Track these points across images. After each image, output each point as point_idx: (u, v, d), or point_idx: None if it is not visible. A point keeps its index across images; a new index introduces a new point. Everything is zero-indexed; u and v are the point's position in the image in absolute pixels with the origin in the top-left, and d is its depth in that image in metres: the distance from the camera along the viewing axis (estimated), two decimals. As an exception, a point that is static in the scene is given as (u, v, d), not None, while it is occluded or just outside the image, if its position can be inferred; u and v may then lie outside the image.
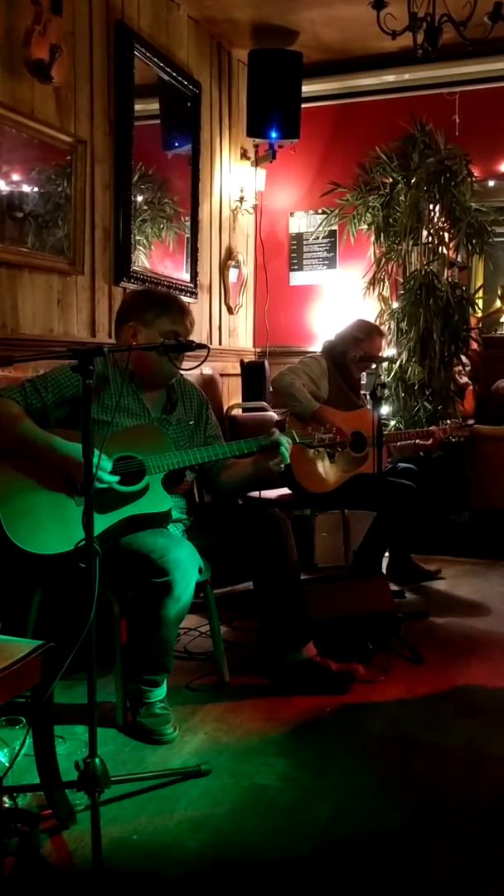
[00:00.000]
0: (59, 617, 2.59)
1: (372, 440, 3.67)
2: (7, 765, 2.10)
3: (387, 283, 4.95)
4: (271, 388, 3.82)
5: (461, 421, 4.12)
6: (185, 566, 2.42)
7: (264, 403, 4.92)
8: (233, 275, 5.16)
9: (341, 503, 3.86)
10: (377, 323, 4.91)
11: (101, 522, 2.39)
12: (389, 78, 5.02)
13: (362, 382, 4.98)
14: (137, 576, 2.45)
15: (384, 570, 4.07)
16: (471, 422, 4.48)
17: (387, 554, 4.14)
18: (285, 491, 3.89)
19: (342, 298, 5.20)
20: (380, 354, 3.95)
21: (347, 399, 3.82)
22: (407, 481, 3.74)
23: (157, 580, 2.39)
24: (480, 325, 5.13)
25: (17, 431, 2.43)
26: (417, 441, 3.89)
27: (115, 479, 2.42)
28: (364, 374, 4.09)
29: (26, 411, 2.48)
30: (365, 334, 3.87)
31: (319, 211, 5.25)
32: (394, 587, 3.96)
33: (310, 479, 3.61)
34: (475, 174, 4.77)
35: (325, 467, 3.63)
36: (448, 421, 4.15)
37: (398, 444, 3.93)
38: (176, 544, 2.49)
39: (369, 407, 3.94)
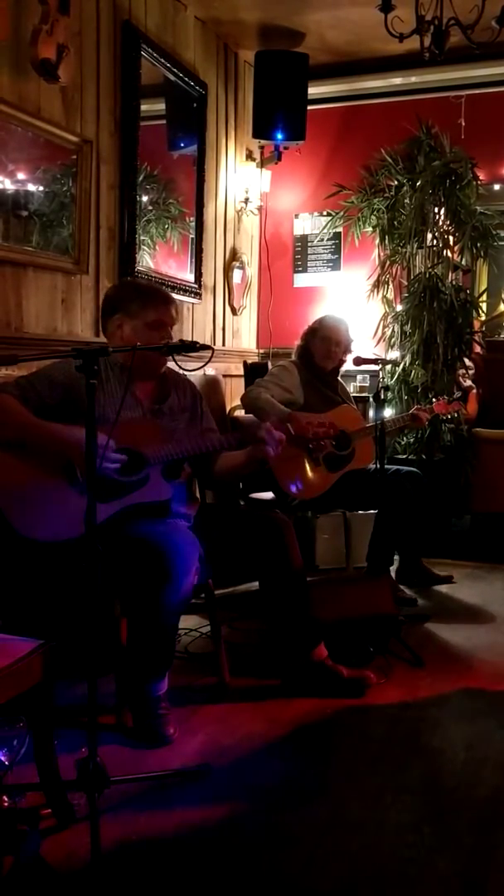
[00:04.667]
0: (61, 615, 2.59)
1: (356, 435, 3.67)
2: (7, 764, 2.10)
3: (391, 286, 4.95)
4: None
5: (448, 397, 4.10)
6: (185, 552, 2.43)
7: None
8: (237, 276, 5.16)
9: (338, 504, 3.85)
10: (379, 325, 4.93)
11: (103, 511, 2.40)
12: (396, 80, 5.01)
13: (365, 385, 5.00)
14: (137, 564, 2.45)
15: (394, 575, 4.06)
16: (458, 394, 4.45)
17: (396, 557, 4.13)
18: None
19: (346, 300, 5.20)
20: (344, 337, 3.87)
21: (326, 398, 3.81)
22: (400, 479, 3.74)
23: (156, 566, 2.39)
24: (484, 329, 5.13)
25: (19, 423, 2.44)
26: (404, 424, 3.90)
27: (123, 458, 2.43)
28: (364, 374, 4.07)
29: (24, 406, 2.49)
30: (319, 324, 3.88)
31: (324, 213, 5.25)
32: (409, 594, 3.96)
33: (296, 486, 3.58)
34: (480, 177, 4.77)
35: (310, 472, 3.60)
36: (435, 399, 4.13)
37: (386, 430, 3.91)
38: (176, 531, 2.52)
39: (351, 403, 3.95)
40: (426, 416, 3.92)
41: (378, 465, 3.45)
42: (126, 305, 2.68)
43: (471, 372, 5.01)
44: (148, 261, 4.17)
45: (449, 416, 4.36)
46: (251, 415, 3.80)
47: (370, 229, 5.00)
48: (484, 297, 5.14)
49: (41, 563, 2.47)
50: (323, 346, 3.84)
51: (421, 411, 3.91)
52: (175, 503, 2.68)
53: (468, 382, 4.99)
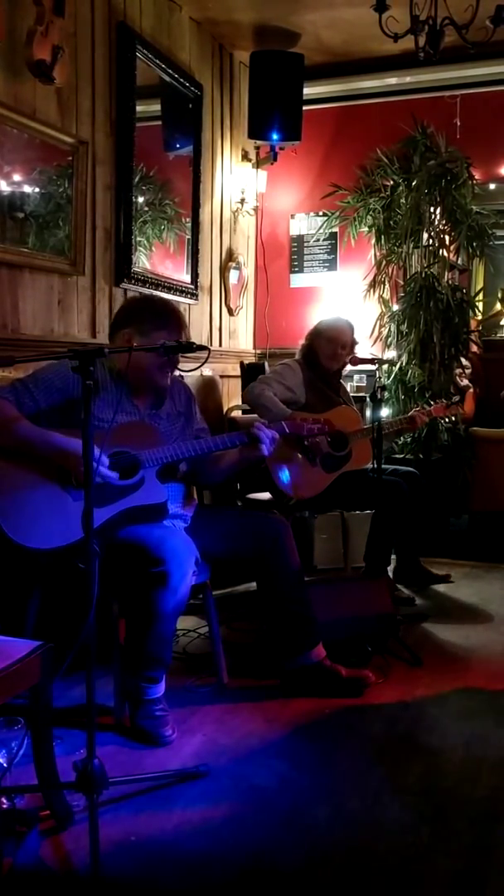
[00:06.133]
0: (59, 617, 2.59)
1: (354, 436, 3.68)
2: (6, 766, 2.10)
3: (387, 286, 4.95)
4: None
5: (447, 401, 4.11)
6: (182, 555, 2.43)
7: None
8: (233, 276, 5.16)
9: (334, 504, 3.85)
10: (375, 324, 4.93)
11: (99, 516, 2.38)
12: (391, 80, 5.01)
13: (362, 384, 5.01)
14: (134, 567, 2.45)
15: (392, 574, 4.06)
16: (456, 398, 4.47)
17: (394, 557, 4.13)
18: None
19: (343, 300, 5.20)
20: (350, 340, 3.91)
21: (328, 400, 3.82)
22: (397, 479, 3.74)
23: (152, 570, 2.40)
24: (480, 328, 5.14)
25: (15, 431, 2.43)
26: (402, 426, 3.91)
27: (115, 475, 2.43)
28: (361, 374, 4.08)
29: (19, 410, 2.48)
30: (324, 326, 3.91)
31: (320, 213, 5.25)
32: (406, 593, 3.97)
33: (293, 487, 3.58)
34: (476, 177, 4.78)
35: (306, 472, 3.60)
36: (433, 402, 4.15)
37: (385, 432, 3.93)
38: (172, 534, 2.52)
39: (351, 404, 3.95)
40: (424, 419, 3.93)
41: (375, 466, 3.45)
42: (139, 323, 2.66)
43: (468, 371, 5.02)
44: (144, 262, 4.17)
45: (448, 420, 4.36)
46: (252, 411, 3.79)
47: (366, 229, 5.00)
48: (480, 297, 5.15)
49: (38, 567, 2.47)
50: (329, 347, 3.84)
51: (419, 414, 3.92)
52: (172, 503, 2.68)
53: (465, 382, 5.00)
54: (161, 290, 4.16)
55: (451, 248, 4.85)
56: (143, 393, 2.74)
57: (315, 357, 3.87)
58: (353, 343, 3.92)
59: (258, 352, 5.44)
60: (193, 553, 2.51)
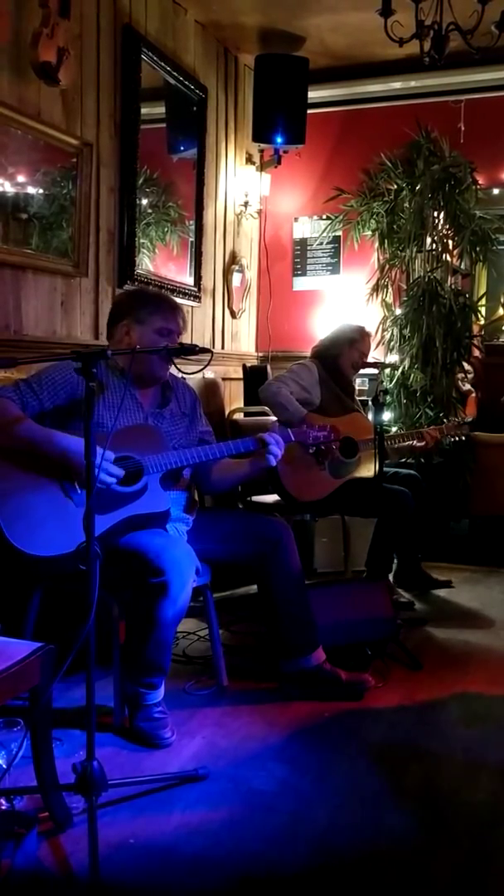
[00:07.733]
0: (59, 618, 2.59)
1: (365, 444, 3.67)
2: (5, 767, 2.10)
3: (390, 290, 4.95)
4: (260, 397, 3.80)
5: (459, 419, 4.11)
6: (182, 566, 2.43)
7: (266, 408, 4.91)
8: (236, 279, 5.17)
9: (338, 509, 3.85)
10: (378, 328, 4.93)
11: (101, 523, 2.38)
12: (395, 85, 5.02)
13: (364, 388, 5.01)
14: (134, 576, 2.45)
15: (392, 578, 4.05)
16: (469, 419, 4.47)
17: (395, 561, 4.12)
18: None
19: (345, 304, 5.20)
20: (370, 346, 3.95)
21: (342, 403, 3.82)
22: (401, 487, 3.74)
23: (153, 580, 2.39)
24: (483, 333, 5.13)
25: (18, 431, 2.41)
26: (414, 443, 3.91)
27: (120, 473, 2.41)
28: (363, 378, 4.09)
29: (23, 411, 2.47)
30: (358, 335, 3.88)
31: (323, 216, 5.26)
32: (406, 597, 3.96)
33: (297, 488, 3.59)
34: (479, 182, 4.78)
35: (313, 475, 3.60)
36: (447, 419, 4.15)
37: (395, 446, 3.95)
38: (173, 544, 2.50)
39: (363, 411, 3.95)
40: (435, 435, 3.91)
41: (377, 470, 3.45)
42: (135, 312, 2.68)
43: (469, 376, 5.01)
44: (147, 264, 4.17)
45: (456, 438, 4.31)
46: (267, 407, 3.78)
47: (369, 233, 5.01)
48: (483, 301, 5.15)
49: (38, 569, 2.47)
50: (357, 357, 3.83)
51: (429, 433, 3.91)
52: (175, 507, 2.68)
53: (467, 386, 5.00)
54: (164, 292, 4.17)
55: (454, 252, 4.86)
56: (145, 387, 2.74)
57: (336, 364, 3.84)
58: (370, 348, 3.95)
59: (260, 354, 5.45)
60: (194, 563, 2.50)
